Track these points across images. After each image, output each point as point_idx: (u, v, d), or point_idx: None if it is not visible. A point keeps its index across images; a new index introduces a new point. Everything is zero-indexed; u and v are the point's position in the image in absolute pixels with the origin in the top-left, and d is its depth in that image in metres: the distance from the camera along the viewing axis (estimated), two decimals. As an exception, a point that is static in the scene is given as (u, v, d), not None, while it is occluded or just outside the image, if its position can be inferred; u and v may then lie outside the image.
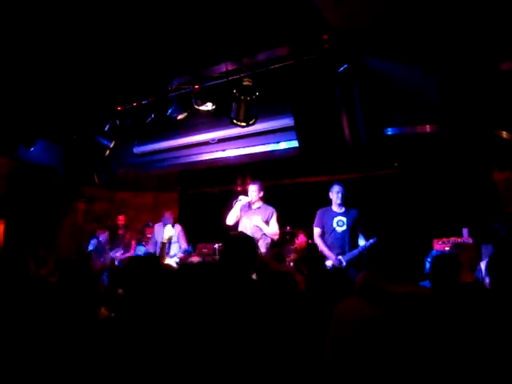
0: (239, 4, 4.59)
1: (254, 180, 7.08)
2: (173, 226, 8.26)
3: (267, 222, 6.66)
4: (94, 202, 10.25)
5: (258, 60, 5.70)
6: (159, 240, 8.39)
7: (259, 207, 6.75)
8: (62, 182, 8.11)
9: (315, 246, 6.27)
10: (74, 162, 7.78)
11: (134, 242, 9.06)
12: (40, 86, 6.34)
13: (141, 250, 8.46)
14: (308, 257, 5.08)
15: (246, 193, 6.88)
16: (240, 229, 6.77)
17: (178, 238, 8.17)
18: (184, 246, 8.14)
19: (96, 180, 7.84)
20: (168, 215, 8.52)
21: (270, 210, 6.74)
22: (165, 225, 8.41)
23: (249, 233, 6.62)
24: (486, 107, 5.55)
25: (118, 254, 8.64)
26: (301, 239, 8.60)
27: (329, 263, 6.14)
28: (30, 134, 7.31)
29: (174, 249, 8.02)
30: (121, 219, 9.33)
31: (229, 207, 6.92)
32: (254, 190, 6.76)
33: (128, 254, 8.51)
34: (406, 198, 8.12)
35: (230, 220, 6.84)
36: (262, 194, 6.80)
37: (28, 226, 8.98)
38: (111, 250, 8.71)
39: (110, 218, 9.70)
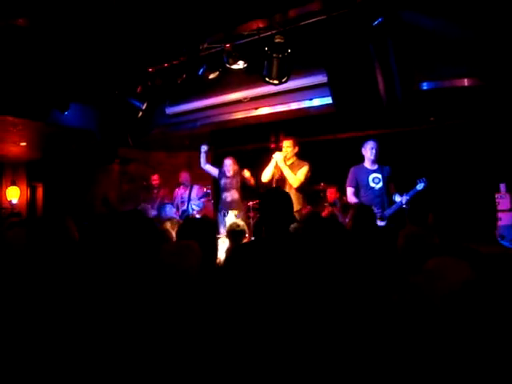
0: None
1: (287, 135, 7.02)
2: (191, 187, 8.48)
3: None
4: (129, 163, 10.38)
5: (290, 16, 5.57)
6: (179, 203, 8.59)
7: (293, 162, 6.72)
8: (98, 143, 8.21)
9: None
10: (108, 124, 7.86)
11: (167, 201, 9.19)
12: (71, 49, 6.36)
13: (171, 210, 8.60)
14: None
15: (279, 150, 6.86)
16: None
17: (196, 195, 8.60)
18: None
19: (130, 141, 7.94)
20: (184, 176, 8.68)
21: (303, 163, 6.69)
22: (184, 187, 8.60)
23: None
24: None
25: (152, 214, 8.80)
26: (331, 193, 8.61)
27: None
28: (64, 97, 7.37)
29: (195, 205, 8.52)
30: (155, 179, 9.37)
31: (263, 164, 6.92)
32: (288, 145, 6.72)
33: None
34: (442, 154, 7.98)
35: (265, 177, 6.80)
36: (296, 149, 6.75)
37: (65, 188, 9.17)
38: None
39: (144, 178, 9.77)
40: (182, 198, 8.66)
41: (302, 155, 6.87)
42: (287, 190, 6.57)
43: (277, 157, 6.64)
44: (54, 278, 2.36)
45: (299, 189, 6.60)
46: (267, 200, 3.12)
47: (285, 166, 6.60)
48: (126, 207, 9.19)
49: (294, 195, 6.51)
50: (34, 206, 11.99)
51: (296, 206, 6.42)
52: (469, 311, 1.41)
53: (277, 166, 6.67)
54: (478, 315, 1.38)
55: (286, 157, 6.67)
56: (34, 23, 5.57)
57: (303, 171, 6.60)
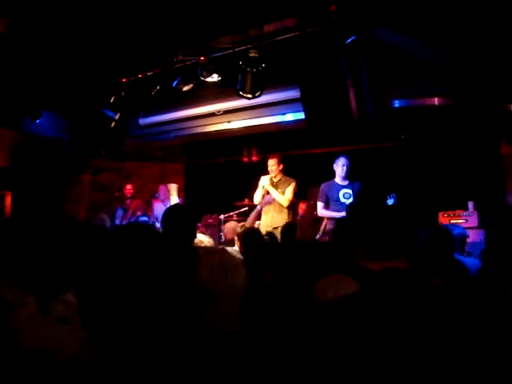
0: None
1: (272, 154, 7.06)
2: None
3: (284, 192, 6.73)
4: (101, 173, 10.25)
5: (265, 31, 5.62)
6: (160, 216, 8.34)
7: (280, 179, 6.79)
8: (68, 153, 8.10)
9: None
10: (80, 134, 7.77)
11: (139, 213, 8.96)
12: (45, 57, 6.29)
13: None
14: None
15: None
16: (265, 204, 6.82)
17: None
18: None
19: (102, 152, 7.86)
20: (161, 189, 8.52)
21: (290, 180, 6.79)
22: (163, 201, 8.41)
23: (272, 207, 6.70)
24: (496, 80, 5.48)
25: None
26: (301, 209, 8.62)
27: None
28: (36, 106, 7.27)
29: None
30: (129, 188, 9.05)
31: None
32: (273, 163, 6.81)
33: None
34: (413, 171, 8.09)
35: (257, 199, 6.91)
36: (281, 166, 6.83)
37: (34, 197, 9.01)
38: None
39: (116, 188, 9.62)
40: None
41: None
42: (277, 207, 6.64)
43: (264, 182, 6.74)
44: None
45: (289, 206, 6.71)
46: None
47: (272, 188, 6.69)
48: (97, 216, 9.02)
49: (284, 213, 6.65)
50: (1, 215, 11.70)
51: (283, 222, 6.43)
52: (348, 316, 1.55)
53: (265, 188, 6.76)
54: (356, 320, 1.50)
55: (273, 176, 6.77)
56: (7, 30, 5.50)
57: (290, 189, 6.71)
